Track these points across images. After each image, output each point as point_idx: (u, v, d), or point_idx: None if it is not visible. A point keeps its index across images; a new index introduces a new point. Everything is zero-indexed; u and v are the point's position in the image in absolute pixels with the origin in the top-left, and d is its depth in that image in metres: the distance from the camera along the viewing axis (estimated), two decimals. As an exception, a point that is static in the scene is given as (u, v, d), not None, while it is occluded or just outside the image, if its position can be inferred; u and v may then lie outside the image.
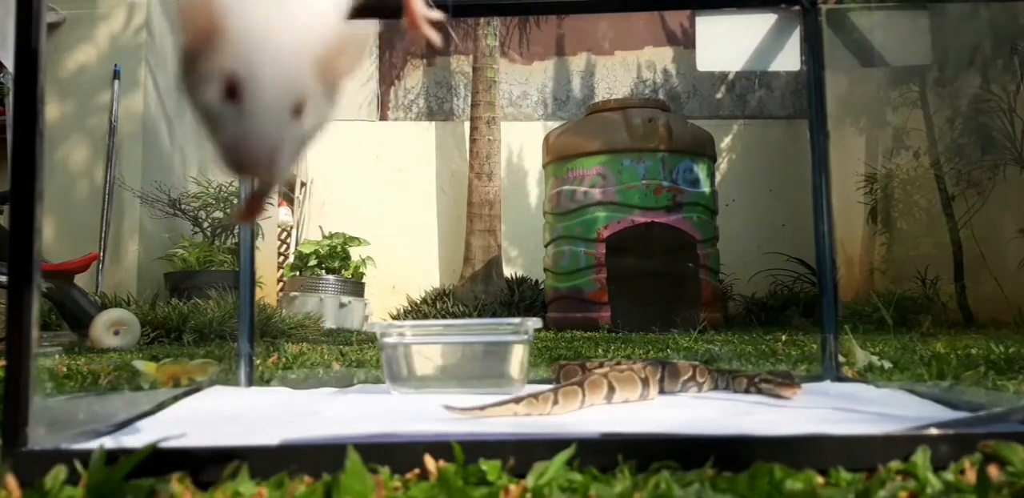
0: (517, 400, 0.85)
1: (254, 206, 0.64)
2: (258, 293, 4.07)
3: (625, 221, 3.97)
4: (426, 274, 5.93)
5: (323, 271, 4.86)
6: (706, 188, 4.16)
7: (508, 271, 5.56)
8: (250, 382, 1.17)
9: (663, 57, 6.41)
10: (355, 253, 5.07)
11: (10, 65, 0.65)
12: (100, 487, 0.55)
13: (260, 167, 0.49)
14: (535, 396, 0.86)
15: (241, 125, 0.48)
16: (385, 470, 0.59)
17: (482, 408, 0.83)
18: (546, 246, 4.44)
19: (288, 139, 0.49)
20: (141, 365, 1.29)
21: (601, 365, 1.06)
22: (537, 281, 5.09)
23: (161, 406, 0.90)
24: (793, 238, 5.58)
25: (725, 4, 1.22)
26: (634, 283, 3.92)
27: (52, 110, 3.74)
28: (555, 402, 0.87)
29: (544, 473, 0.57)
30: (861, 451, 0.61)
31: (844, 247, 5.20)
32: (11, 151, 0.63)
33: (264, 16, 0.49)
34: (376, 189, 6.03)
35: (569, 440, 0.61)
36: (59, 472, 0.58)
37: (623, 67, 6.42)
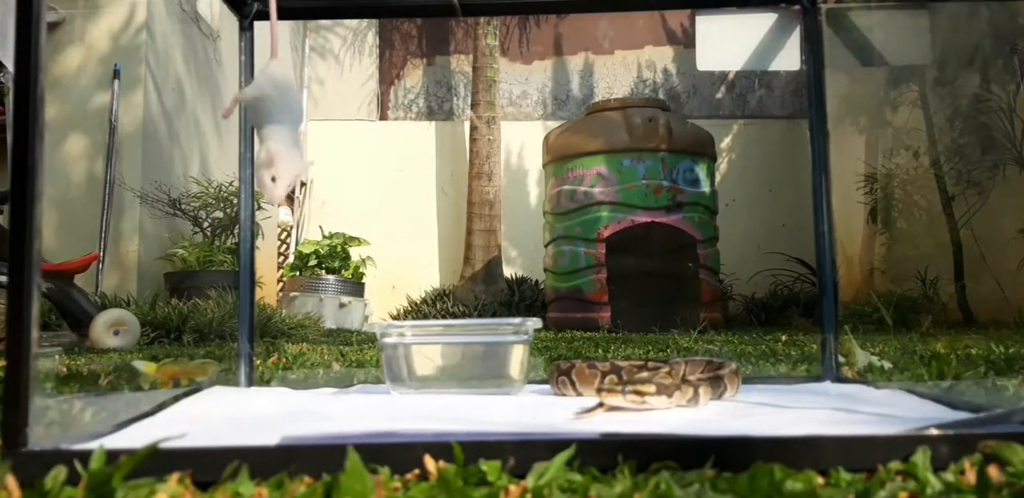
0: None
1: None
2: (258, 293, 4.07)
3: (625, 221, 3.97)
4: (426, 274, 5.93)
5: (323, 271, 4.86)
6: (706, 188, 4.15)
7: (508, 271, 5.56)
8: (250, 382, 1.17)
9: (663, 56, 6.40)
10: (355, 253, 5.07)
11: (10, 65, 0.65)
12: (100, 487, 0.55)
13: None
14: (679, 387, 0.88)
15: None
16: (385, 470, 0.59)
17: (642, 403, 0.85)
18: (546, 246, 4.43)
19: None
20: (141, 365, 1.29)
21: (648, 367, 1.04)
22: (537, 281, 5.09)
23: (161, 406, 0.90)
24: (793, 238, 5.57)
25: (725, 3, 1.22)
26: (634, 283, 3.91)
27: (52, 110, 3.73)
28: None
29: (544, 473, 0.57)
30: (861, 451, 0.61)
31: (844, 247, 5.20)
32: (11, 151, 0.63)
33: None
34: (376, 189, 6.03)
35: (569, 440, 0.61)
36: (59, 472, 0.58)
37: (623, 66, 6.42)
